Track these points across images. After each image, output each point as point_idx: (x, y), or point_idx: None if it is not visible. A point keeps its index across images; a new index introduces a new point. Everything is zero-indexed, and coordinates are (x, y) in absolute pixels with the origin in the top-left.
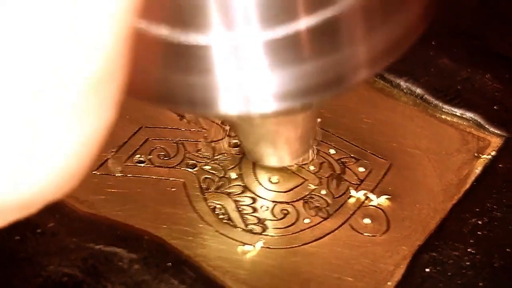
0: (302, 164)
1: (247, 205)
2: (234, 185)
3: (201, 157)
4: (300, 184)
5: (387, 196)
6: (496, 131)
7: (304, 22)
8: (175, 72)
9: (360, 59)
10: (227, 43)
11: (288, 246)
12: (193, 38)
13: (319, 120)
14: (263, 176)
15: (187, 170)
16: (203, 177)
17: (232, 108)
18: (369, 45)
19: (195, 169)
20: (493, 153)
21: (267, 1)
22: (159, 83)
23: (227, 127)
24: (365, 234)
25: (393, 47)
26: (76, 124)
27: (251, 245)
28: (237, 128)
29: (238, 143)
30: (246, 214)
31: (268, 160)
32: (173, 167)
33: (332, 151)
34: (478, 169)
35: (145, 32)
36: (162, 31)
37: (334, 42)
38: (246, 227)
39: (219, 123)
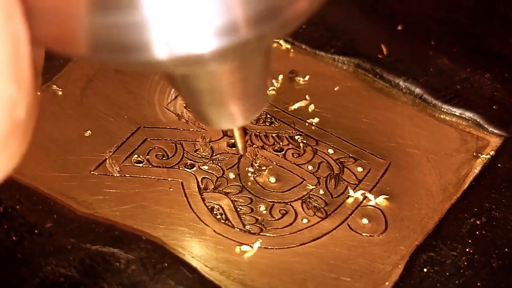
0: (300, 165)
1: (245, 205)
2: (232, 185)
3: (199, 157)
4: (298, 184)
5: (385, 196)
6: (495, 131)
7: None
8: (101, 13)
9: None
10: None
11: (286, 246)
12: None
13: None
14: (261, 176)
15: (185, 170)
16: (201, 177)
17: (166, 50)
18: None
19: (193, 169)
20: (492, 153)
21: None
22: (86, 28)
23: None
24: (363, 234)
25: None
26: None
27: (248, 245)
28: (184, 86)
29: (237, 143)
30: (244, 214)
31: (219, 121)
32: (171, 167)
33: (330, 151)
34: (477, 169)
35: None
36: None
37: None
38: (244, 227)
39: None
